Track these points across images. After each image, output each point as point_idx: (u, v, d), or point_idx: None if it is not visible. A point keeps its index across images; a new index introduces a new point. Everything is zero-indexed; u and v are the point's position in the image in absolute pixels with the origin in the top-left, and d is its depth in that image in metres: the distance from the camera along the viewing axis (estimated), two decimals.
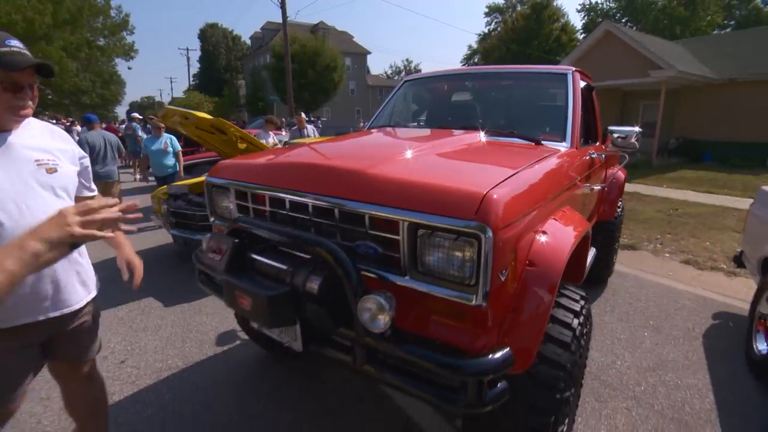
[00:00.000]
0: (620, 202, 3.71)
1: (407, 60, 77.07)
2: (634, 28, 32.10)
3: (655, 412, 2.25)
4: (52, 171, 1.32)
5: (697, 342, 2.97)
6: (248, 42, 47.12)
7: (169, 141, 5.89)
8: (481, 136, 2.03)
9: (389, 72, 60.71)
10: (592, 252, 2.80)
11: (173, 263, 4.74)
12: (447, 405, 1.16)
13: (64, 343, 1.46)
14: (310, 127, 8.35)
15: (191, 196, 4.62)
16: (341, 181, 1.38)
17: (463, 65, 37.15)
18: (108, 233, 0.97)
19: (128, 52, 30.12)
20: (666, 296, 3.71)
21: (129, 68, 45.09)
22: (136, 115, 11.73)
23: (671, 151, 14.40)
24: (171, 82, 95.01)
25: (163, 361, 2.77)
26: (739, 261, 3.39)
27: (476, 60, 33.81)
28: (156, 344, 2.98)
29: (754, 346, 2.64)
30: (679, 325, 3.20)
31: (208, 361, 2.78)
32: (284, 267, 1.38)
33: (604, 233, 3.44)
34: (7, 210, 1.17)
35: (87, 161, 1.55)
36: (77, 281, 1.42)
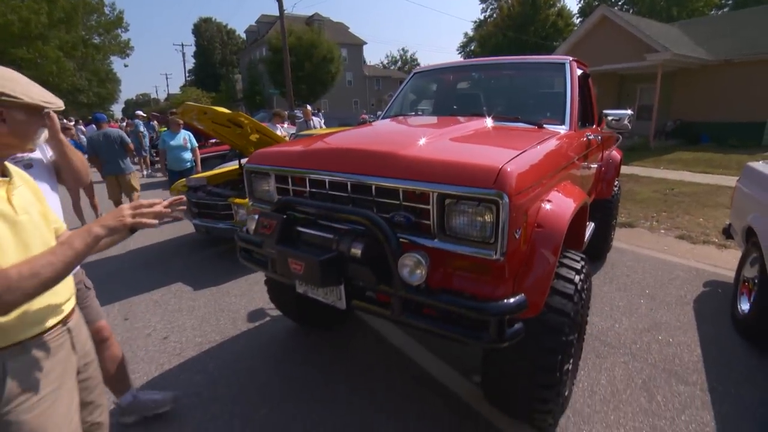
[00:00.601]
0: (617, 182, 3.95)
1: (403, 49, 76.59)
2: (631, 11, 32.05)
3: (648, 365, 2.53)
4: (29, 166, 1.62)
5: (688, 307, 3.24)
6: (243, 36, 46.81)
7: (188, 137, 6.12)
8: (489, 122, 2.27)
9: (385, 62, 60.44)
10: (591, 226, 3.06)
11: (195, 251, 5.01)
12: (474, 342, 1.42)
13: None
14: (316, 119, 8.57)
15: (209, 187, 4.87)
16: (377, 162, 1.63)
17: (460, 53, 37.06)
18: (154, 222, 1.21)
19: (124, 50, 29.99)
20: (661, 268, 3.98)
21: (125, 66, 44.94)
22: (140, 113, 11.91)
23: (669, 134, 14.59)
24: (167, 78, 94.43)
25: (202, 336, 3.04)
26: (727, 233, 3.66)
27: (473, 47, 33.73)
28: (193, 322, 3.25)
29: (738, 307, 2.92)
30: (672, 293, 3.47)
31: (242, 335, 3.05)
32: (330, 236, 1.63)
33: (603, 210, 3.70)
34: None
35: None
36: None
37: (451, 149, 1.73)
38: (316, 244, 1.69)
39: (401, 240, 1.56)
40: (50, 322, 1.15)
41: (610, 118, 2.55)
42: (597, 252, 3.93)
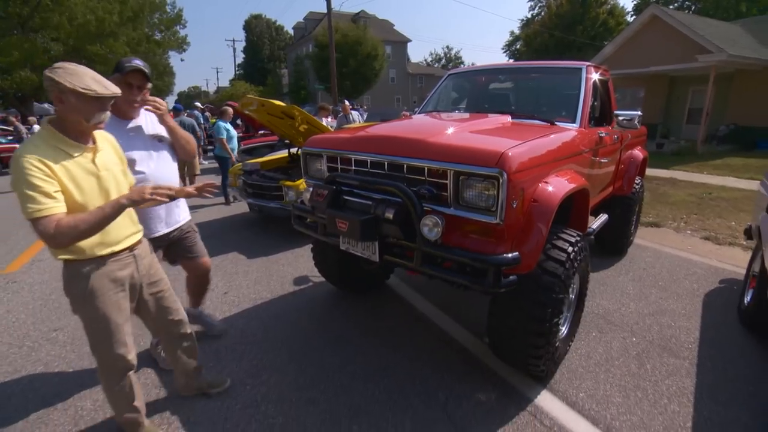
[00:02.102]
0: (639, 180, 4.16)
1: (447, 47, 76.01)
2: (693, 8, 30.19)
3: (645, 341, 2.81)
4: (159, 139, 2.20)
5: (698, 299, 3.44)
6: (291, 32, 48.45)
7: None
8: (508, 118, 2.65)
9: (429, 60, 60.42)
10: (603, 217, 3.34)
11: (248, 227, 5.67)
12: (476, 286, 1.83)
13: (180, 246, 2.43)
14: (355, 113, 9.09)
15: (262, 171, 5.51)
16: (410, 146, 2.08)
17: (505, 53, 36.53)
18: (166, 200, 1.68)
19: (181, 45, 32.09)
20: (680, 265, 4.14)
21: (182, 60, 47.86)
22: (198, 104, 12.92)
23: (721, 138, 13.94)
24: (217, 72, 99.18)
25: (256, 293, 3.62)
26: (748, 233, 3.79)
27: (518, 47, 33.17)
28: (247, 283, 3.84)
29: (744, 299, 3.11)
30: (685, 287, 3.66)
31: (290, 294, 3.60)
32: (369, 203, 2.10)
33: (622, 206, 3.94)
34: (147, 166, 2.08)
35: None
36: (176, 213, 2.34)
37: (468, 138, 2.14)
38: (357, 209, 2.16)
39: (426, 208, 1.99)
40: (119, 247, 1.69)
41: (621, 118, 2.83)
42: (615, 245, 4.16)
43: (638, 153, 4.04)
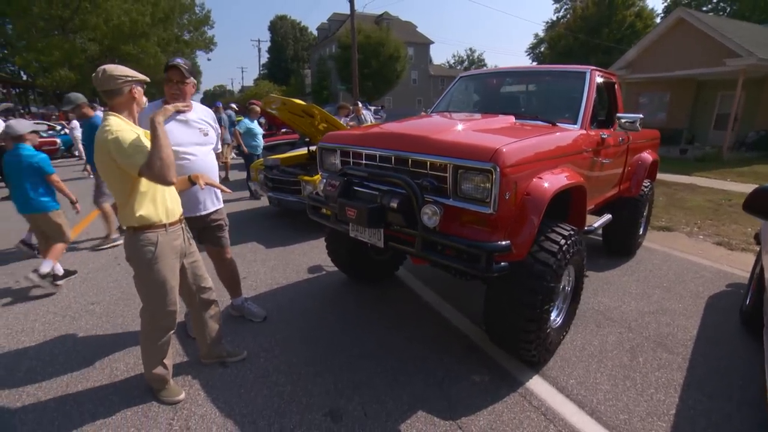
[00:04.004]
0: (648, 182, 4.21)
1: (470, 50, 75.60)
2: (728, 10, 29.15)
3: (641, 337, 2.90)
4: (205, 133, 2.50)
5: (702, 300, 3.49)
6: (315, 33, 49.24)
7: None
8: (512, 119, 2.80)
9: (452, 62, 60.25)
10: (606, 217, 3.44)
11: (267, 219, 5.96)
12: (471, 270, 2.00)
13: (209, 233, 2.69)
14: (367, 114, 9.37)
15: (282, 167, 5.78)
16: (414, 142, 2.26)
17: (528, 56, 36.16)
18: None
19: (208, 45, 33.14)
20: (688, 268, 4.17)
21: (208, 59, 49.19)
22: (233, 105, 13.44)
23: (750, 145, 13.52)
24: (242, 71, 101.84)
25: (273, 279, 3.86)
26: (757, 238, 3.81)
27: (542, 50, 32.79)
28: (265, 270, 4.10)
29: (746, 301, 3.16)
30: (690, 289, 3.71)
31: (304, 282, 3.83)
32: (376, 193, 2.30)
33: (629, 208, 4.01)
34: (192, 152, 2.39)
35: (217, 131, 2.72)
36: (210, 199, 2.61)
37: (467, 136, 2.31)
38: (365, 198, 2.36)
39: (428, 199, 2.17)
40: (176, 218, 2.06)
41: (623, 120, 2.93)
42: (623, 246, 4.22)
43: (647, 156, 4.09)
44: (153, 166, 1.74)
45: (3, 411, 2.14)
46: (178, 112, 2.31)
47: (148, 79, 1.96)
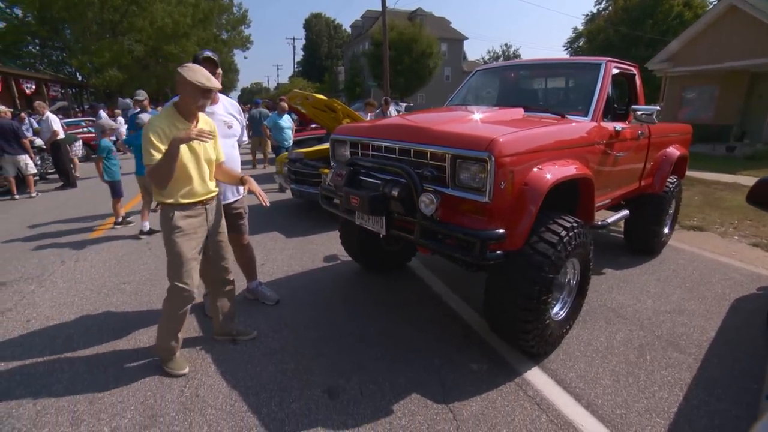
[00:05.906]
0: (674, 179, 4.04)
1: (506, 45, 73.77)
2: None
3: (653, 335, 2.82)
4: (229, 126, 2.63)
5: (726, 302, 3.32)
6: (348, 30, 49.69)
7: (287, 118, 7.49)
8: (521, 111, 2.79)
9: (487, 58, 59.00)
10: (623, 212, 3.35)
11: (288, 211, 6.17)
12: (465, 257, 2.04)
13: (229, 220, 2.80)
14: (393, 110, 9.46)
15: (306, 160, 5.96)
16: (416, 133, 2.32)
17: (566, 50, 34.87)
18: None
19: (245, 44, 34.25)
20: (716, 269, 3.96)
21: (245, 58, 51.24)
22: (268, 102, 13.95)
23: None
24: (278, 69, 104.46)
25: (289, 267, 4.03)
26: None
27: (580, 44, 31.48)
28: (283, 258, 4.27)
29: None
30: (715, 290, 3.53)
31: (318, 270, 3.98)
32: (378, 182, 2.38)
33: (652, 204, 3.86)
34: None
35: (243, 123, 2.87)
36: (231, 191, 2.78)
37: (471, 126, 2.34)
38: (369, 187, 2.45)
39: (427, 189, 2.23)
40: (195, 200, 2.22)
41: (639, 113, 2.83)
42: (645, 244, 4.07)
43: (673, 151, 3.92)
44: (152, 173, 2.02)
45: (42, 371, 2.41)
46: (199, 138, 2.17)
47: (201, 85, 2.03)
